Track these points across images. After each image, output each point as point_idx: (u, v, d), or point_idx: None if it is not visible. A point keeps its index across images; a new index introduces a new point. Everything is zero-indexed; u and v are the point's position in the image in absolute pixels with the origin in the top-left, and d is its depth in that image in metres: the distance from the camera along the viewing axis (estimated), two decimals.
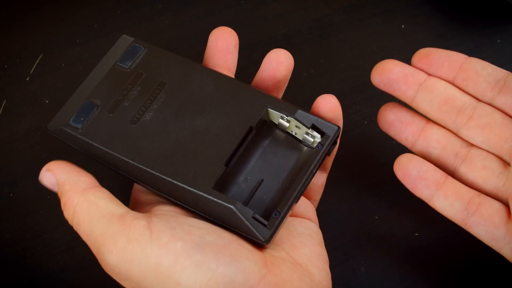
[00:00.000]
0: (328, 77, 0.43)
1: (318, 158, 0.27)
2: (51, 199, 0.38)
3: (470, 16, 0.46)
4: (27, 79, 0.43)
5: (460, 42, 0.45)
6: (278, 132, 0.29)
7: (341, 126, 0.29)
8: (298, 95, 0.41)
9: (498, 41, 0.45)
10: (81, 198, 0.26)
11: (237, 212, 0.25)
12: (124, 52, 0.31)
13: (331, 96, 0.30)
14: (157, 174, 0.27)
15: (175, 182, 0.26)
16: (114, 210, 0.26)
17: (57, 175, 0.28)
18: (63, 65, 0.43)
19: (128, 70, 0.31)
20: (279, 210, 0.26)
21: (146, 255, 0.24)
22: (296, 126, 0.29)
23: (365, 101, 0.42)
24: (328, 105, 0.29)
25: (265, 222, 0.25)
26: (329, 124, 0.28)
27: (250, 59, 0.43)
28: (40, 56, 0.44)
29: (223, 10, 0.46)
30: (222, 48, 0.32)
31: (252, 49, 0.44)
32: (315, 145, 0.28)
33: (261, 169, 0.28)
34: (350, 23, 0.46)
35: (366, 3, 0.47)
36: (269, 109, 0.29)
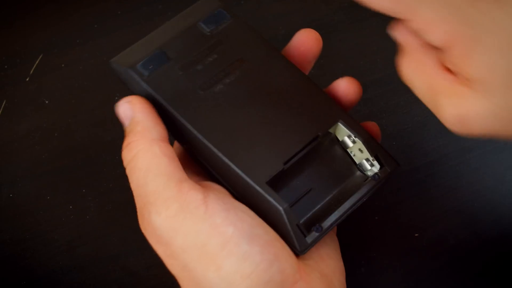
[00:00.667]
0: (328, 77, 0.43)
1: (371, 187, 0.27)
2: (51, 199, 0.38)
3: None
4: (27, 79, 0.43)
5: None
6: (337, 148, 0.29)
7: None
8: None
9: None
10: (147, 145, 0.25)
11: (284, 215, 0.25)
12: (208, 15, 0.30)
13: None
14: (214, 150, 0.26)
15: (231, 164, 0.25)
16: (174, 172, 0.25)
17: (136, 112, 0.26)
18: (63, 65, 0.43)
19: (209, 34, 0.29)
20: (322, 225, 0.25)
21: (196, 231, 0.23)
22: (360, 150, 0.28)
23: (365, 101, 0.42)
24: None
25: (306, 234, 0.25)
26: (391, 159, 0.28)
27: None
28: (40, 56, 0.44)
29: None
30: (303, 53, 0.31)
31: None
32: (369, 173, 0.28)
33: (313, 179, 0.27)
34: (350, 23, 0.46)
35: None
36: (339, 123, 0.28)
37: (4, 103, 0.42)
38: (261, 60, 0.29)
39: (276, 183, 0.26)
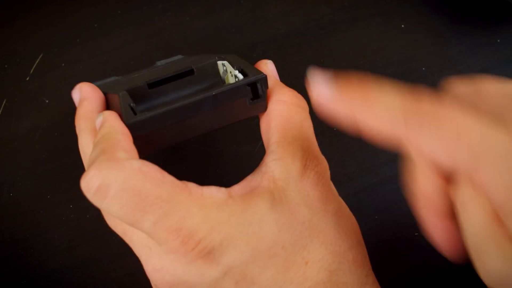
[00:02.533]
0: None
1: (223, 87, 0.27)
2: (51, 198, 0.38)
3: (470, 16, 0.46)
4: (27, 79, 0.43)
5: (460, 42, 0.45)
6: (212, 78, 0.31)
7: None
8: None
9: (498, 41, 0.45)
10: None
11: (120, 98, 0.27)
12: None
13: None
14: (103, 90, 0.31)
15: (108, 93, 0.31)
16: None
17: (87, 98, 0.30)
18: (63, 65, 0.43)
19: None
20: (156, 110, 0.27)
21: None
22: (230, 73, 0.29)
23: None
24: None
25: (137, 113, 0.26)
26: (258, 71, 0.28)
27: (250, 59, 0.43)
28: (40, 56, 0.44)
29: (223, 10, 0.46)
30: None
31: (252, 49, 0.44)
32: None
33: (178, 93, 0.31)
34: (350, 23, 0.46)
35: (366, 3, 0.47)
36: (217, 61, 0.30)
37: (4, 102, 0.42)
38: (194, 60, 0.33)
39: (137, 95, 0.29)
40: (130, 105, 0.27)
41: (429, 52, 0.44)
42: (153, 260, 0.25)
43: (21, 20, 0.45)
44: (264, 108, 0.29)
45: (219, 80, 0.31)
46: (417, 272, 0.36)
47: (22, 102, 0.42)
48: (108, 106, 0.31)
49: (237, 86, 0.27)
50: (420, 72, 0.43)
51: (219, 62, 0.30)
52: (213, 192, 0.25)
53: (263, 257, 0.24)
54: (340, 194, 0.39)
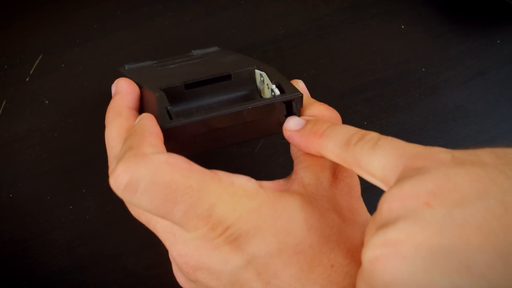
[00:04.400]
0: (328, 77, 0.43)
1: (260, 101, 0.28)
2: (51, 199, 0.38)
3: (470, 17, 0.46)
4: (27, 79, 0.43)
5: (460, 43, 0.45)
6: (249, 87, 0.31)
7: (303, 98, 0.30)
8: None
9: (498, 41, 0.45)
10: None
11: (157, 99, 0.27)
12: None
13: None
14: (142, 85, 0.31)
15: (144, 87, 0.30)
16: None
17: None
18: (63, 65, 0.43)
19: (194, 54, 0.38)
20: (192, 116, 0.27)
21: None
22: (267, 85, 0.30)
23: (365, 101, 0.42)
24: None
25: (173, 118, 0.26)
26: (295, 89, 0.29)
27: None
28: (40, 56, 0.44)
29: (223, 10, 0.46)
30: None
31: (252, 49, 0.44)
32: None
33: (214, 98, 0.31)
34: (350, 23, 0.46)
35: (366, 3, 0.47)
36: (255, 69, 0.30)
37: (4, 103, 0.42)
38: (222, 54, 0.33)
39: (173, 94, 0.29)
40: (167, 108, 0.27)
41: (429, 52, 0.44)
42: (177, 246, 0.25)
43: (21, 20, 0.45)
44: None
45: (254, 89, 0.31)
46: None
47: (22, 102, 0.42)
48: (142, 100, 0.31)
49: (273, 102, 0.27)
50: (420, 72, 0.43)
51: (257, 71, 0.31)
52: (244, 181, 0.25)
53: (288, 251, 0.24)
54: None
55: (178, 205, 0.23)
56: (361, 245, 0.25)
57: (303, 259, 0.24)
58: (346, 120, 0.34)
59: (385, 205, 0.20)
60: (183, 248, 0.25)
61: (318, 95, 0.30)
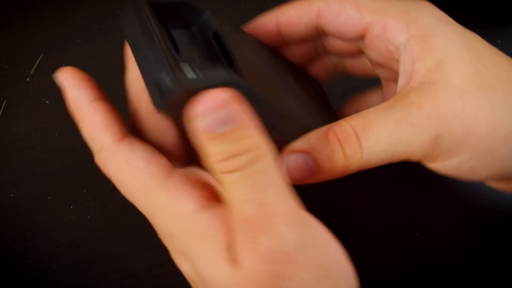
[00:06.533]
0: None
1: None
2: (52, 199, 0.38)
3: (470, 17, 0.46)
4: (27, 79, 0.43)
5: None
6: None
7: None
8: None
9: (499, 41, 0.45)
10: None
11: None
12: None
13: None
14: None
15: None
16: None
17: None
18: (63, 65, 0.43)
19: None
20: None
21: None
22: None
23: None
24: None
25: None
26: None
27: None
28: (41, 57, 0.44)
29: (223, 10, 0.46)
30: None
31: None
32: None
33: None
34: None
35: None
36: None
37: (4, 103, 0.42)
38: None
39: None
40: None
41: None
42: None
43: (21, 20, 0.45)
44: None
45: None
46: (417, 272, 0.36)
47: (23, 103, 0.42)
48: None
49: None
50: None
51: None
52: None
53: None
54: (342, 194, 0.39)
55: None
56: None
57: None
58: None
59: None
60: None
61: None
